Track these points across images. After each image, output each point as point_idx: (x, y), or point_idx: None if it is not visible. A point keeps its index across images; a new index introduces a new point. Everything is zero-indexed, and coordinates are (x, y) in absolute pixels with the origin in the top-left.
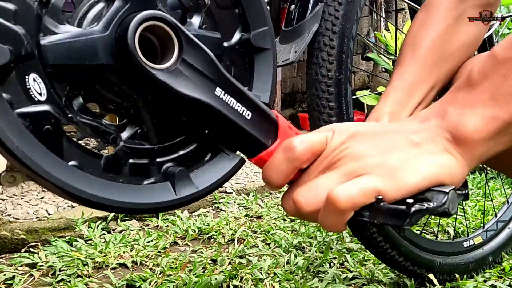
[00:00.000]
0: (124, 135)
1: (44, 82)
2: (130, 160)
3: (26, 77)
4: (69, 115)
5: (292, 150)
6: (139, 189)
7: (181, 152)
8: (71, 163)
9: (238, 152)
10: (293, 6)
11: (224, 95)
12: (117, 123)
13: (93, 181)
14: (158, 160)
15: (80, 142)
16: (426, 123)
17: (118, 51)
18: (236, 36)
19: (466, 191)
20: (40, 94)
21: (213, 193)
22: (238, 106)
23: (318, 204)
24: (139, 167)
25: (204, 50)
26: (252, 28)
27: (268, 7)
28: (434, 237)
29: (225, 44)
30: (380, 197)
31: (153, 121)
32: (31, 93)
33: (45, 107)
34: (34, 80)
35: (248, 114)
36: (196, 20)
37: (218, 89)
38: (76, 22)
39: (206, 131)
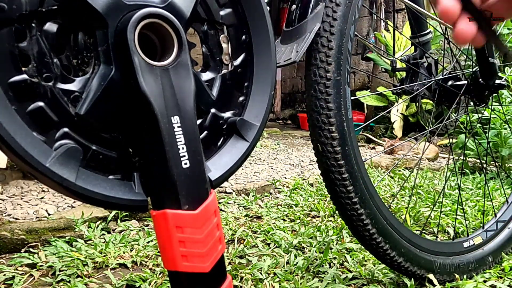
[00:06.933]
0: None
1: None
2: None
3: None
4: None
5: None
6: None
7: None
8: None
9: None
10: (294, 6)
11: (178, 127)
12: None
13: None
14: None
15: None
16: None
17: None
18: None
19: None
20: None
21: None
22: (182, 148)
23: None
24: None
25: (191, 79)
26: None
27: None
28: (434, 238)
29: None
30: None
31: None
32: None
33: None
34: None
35: (186, 163)
36: None
37: (176, 118)
38: None
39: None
